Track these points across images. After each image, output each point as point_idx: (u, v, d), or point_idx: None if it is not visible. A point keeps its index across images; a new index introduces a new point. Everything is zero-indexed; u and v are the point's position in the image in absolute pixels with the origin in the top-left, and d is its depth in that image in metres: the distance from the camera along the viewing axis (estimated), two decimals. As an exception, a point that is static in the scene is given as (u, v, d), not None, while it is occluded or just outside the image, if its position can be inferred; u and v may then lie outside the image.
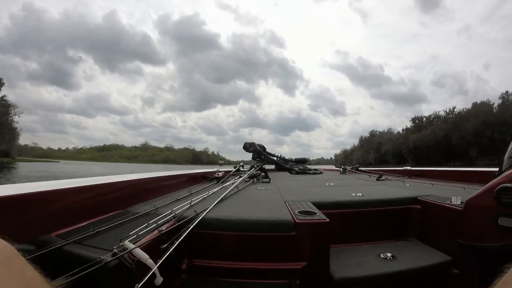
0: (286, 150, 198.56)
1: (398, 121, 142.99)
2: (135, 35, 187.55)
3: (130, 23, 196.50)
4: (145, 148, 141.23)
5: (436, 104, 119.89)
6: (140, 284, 0.54)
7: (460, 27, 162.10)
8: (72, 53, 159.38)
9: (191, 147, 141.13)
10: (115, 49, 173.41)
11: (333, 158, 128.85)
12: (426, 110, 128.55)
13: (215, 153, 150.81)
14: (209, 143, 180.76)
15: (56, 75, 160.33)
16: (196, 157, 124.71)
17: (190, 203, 1.07)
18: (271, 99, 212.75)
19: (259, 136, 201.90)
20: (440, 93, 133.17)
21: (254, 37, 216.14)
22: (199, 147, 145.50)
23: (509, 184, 0.76)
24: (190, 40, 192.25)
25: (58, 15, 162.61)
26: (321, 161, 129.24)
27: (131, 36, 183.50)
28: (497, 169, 1.05)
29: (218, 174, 2.27)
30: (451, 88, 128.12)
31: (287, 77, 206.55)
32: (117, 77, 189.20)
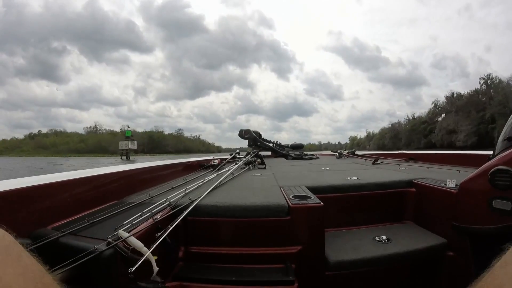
0: (285, 136, 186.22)
1: (397, 105, 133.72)
2: (119, 22, 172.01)
3: (112, 10, 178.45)
4: (91, 131, 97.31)
5: (437, 89, 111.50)
6: (134, 268, 0.55)
7: (461, 6, 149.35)
8: (56, 44, 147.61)
9: (159, 130, 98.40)
10: (100, 38, 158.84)
11: (340, 143, 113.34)
12: (427, 94, 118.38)
13: (194, 136, 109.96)
14: (207, 132, 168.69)
15: (43, 69, 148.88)
16: (156, 143, 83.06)
17: (185, 191, 1.06)
18: (266, 85, 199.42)
19: (257, 123, 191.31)
20: (441, 76, 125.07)
21: (242, 19, 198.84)
22: (197, 136, 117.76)
23: (503, 166, 0.76)
24: (175, 25, 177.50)
25: (39, 8, 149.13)
26: (329, 146, 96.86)
27: (115, 24, 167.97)
28: (491, 152, 1.02)
29: (214, 162, 2.25)
30: (452, 70, 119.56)
31: (280, 61, 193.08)
32: (105, 67, 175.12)
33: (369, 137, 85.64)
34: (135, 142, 49.26)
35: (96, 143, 76.48)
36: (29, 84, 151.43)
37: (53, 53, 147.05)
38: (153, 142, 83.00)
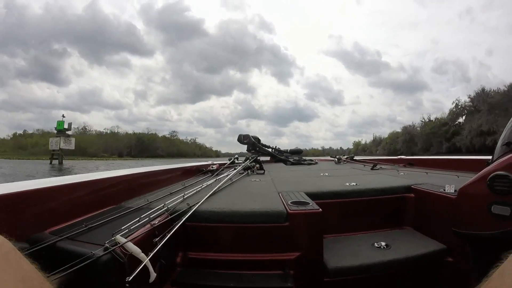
0: (285, 141, 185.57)
1: (398, 110, 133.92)
2: (119, 25, 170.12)
3: (113, 13, 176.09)
4: (80, 132, 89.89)
5: (438, 93, 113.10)
6: (131, 278, 0.54)
7: (462, 9, 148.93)
8: (57, 46, 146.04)
9: (151, 132, 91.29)
10: (100, 40, 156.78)
11: (342, 148, 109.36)
12: (428, 99, 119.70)
13: (191, 139, 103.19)
14: (208, 136, 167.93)
15: (44, 71, 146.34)
16: (145, 146, 76.20)
17: (183, 196, 1.06)
18: (266, 89, 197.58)
19: (258, 128, 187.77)
20: (442, 80, 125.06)
21: (242, 23, 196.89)
22: (198, 140, 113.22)
23: (502, 172, 0.76)
24: (175, 28, 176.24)
25: (40, 10, 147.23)
26: (331, 151, 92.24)
27: (115, 27, 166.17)
28: (490, 157, 1.02)
29: (212, 167, 2.24)
30: (453, 75, 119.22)
31: (281, 65, 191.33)
32: (106, 70, 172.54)
33: (376, 141, 79.62)
34: (72, 140, 32.88)
35: (76, 144, 69.96)
36: (29, 86, 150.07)
37: (54, 55, 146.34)
38: (142, 144, 76.39)
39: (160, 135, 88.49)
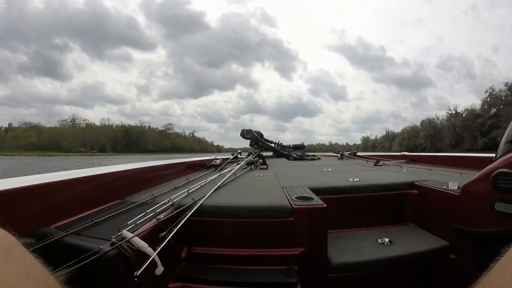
0: (289, 137, 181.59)
1: (402, 106, 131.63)
2: (120, 19, 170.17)
3: (113, 6, 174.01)
4: (68, 125, 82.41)
5: (443, 90, 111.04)
6: (139, 272, 0.53)
7: (467, 5, 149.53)
8: (58, 40, 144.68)
9: (144, 125, 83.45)
10: (101, 34, 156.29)
11: (348, 144, 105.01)
12: (432, 95, 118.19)
13: (189, 133, 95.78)
14: (211, 131, 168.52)
15: (46, 66, 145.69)
16: (134, 140, 69.06)
17: (188, 191, 1.07)
18: (269, 84, 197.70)
19: (261, 123, 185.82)
20: (447, 77, 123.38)
21: (244, 16, 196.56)
22: (201, 135, 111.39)
23: (505, 169, 0.75)
24: (176, 22, 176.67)
25: (40, 4, 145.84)
26: (337, 147, 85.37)
27: (116, 21, 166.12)
28: (494, 154, 1.02)
29: (216, 162, 2.23)
30: (458, 72, 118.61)
31: (283, 59, 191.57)
32: (108, 65, 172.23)
33: (389, 136, 72.47)
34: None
35: (51, 137, 62.34)
36: (32, 81, 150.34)
37: (55, 49, 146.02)
38: (130, 138, 69.10)
39: (144, 126, 79.53)
